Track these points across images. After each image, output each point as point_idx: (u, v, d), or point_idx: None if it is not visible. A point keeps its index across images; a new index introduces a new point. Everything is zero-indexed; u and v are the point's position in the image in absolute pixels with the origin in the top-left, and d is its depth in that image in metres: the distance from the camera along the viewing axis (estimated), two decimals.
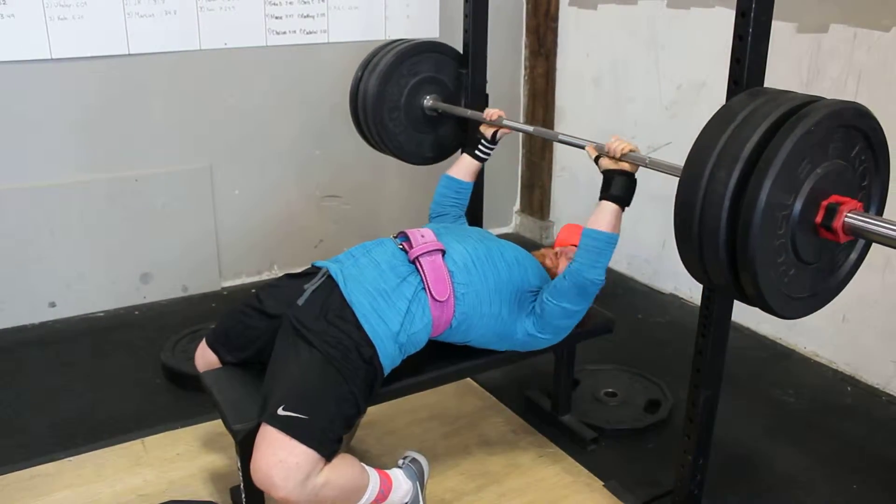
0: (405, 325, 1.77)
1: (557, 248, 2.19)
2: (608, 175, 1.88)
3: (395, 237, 1.96)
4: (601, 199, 1.88)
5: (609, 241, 1.84)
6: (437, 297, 1.81)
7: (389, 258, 1.87)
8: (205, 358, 1.95)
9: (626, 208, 1.88)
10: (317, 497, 1.60)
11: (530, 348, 2.01)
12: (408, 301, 1.79)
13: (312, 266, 1.93)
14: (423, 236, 1.91)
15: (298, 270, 1.97)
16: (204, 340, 1.97)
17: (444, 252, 1.89)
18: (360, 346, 1.71)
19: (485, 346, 1.99)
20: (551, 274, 2.08)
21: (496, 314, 1.90)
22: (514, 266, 1.96)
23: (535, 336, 1.95)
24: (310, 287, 1.81)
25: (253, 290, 1.96)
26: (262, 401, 1.67)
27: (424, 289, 1.82)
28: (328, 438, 1.63)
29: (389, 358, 1.76)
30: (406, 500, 1.88)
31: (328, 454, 1.63)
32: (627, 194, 1.87)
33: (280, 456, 1.57)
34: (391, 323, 1.75)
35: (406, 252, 1.88)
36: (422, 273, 1.83)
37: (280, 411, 1.60)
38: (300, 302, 1.79)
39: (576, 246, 2.10)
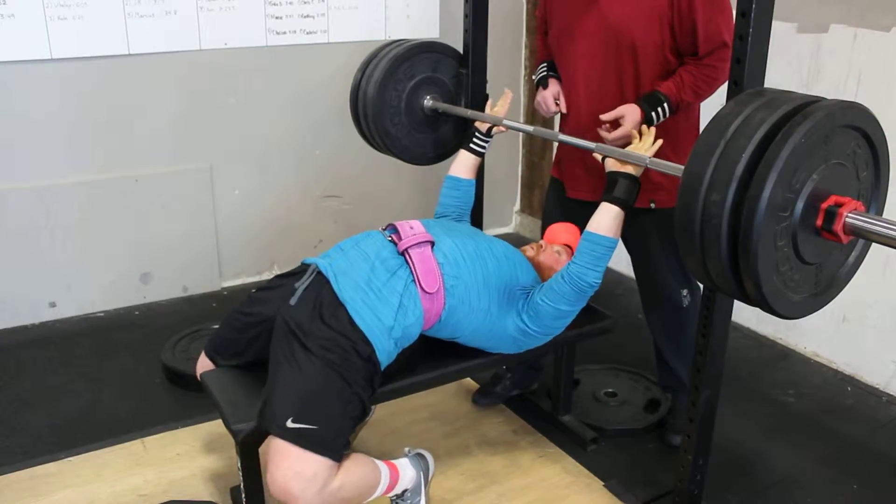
0: (399, 319, 1.76)
1: (542, 241, 2.14)
2: (612, 177, 1.86)
3: (384, 229, 1.94)
4: (603, 200, 1.86)
5: (610, 245, 1.83)
6: (426, 289, 1.80)
7: (379, 250, 1.84)
8: (204, 368, 1.95)
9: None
10: (335, 500, 1.64)
11: (521, 348, 1.98)
12: (399, 295, 1.77)
13: (302, 264, 1.91)
14: (411, 228, 1.89)
15: (288, 270, 1.96)
16: (203, 352, 1.97)
17: (433, 244, 1.87)
18: (356, 345, 1.70)
19: (474, 345, 1.96)
20: (534, 263, 2.05)
21: (485, 308, 1.88)
22: (503, 261, 1.94)
23: (526, 333, 1.91)
24: (301, 285, 1.80)
25: (250, 293, 1.95)
26: (262, 404, 1.67)
27: (414, 281, 1.80)
28: (339, 443, 1.65)
29: (385, 353, 1.75)
30: (408, 487, 1.90)
31: (340, 457, 1.66)
32: (631, 197, 1.85)
33: (296, 468, 1.58)
34: (385, 318, 1.74)
35: (395, 244, 1.86)
36: (411, 265, 1.81)
37: (290, 424, 1.60)
38: (292, 301, 1.77)
39: (566, 245, 2.09)
